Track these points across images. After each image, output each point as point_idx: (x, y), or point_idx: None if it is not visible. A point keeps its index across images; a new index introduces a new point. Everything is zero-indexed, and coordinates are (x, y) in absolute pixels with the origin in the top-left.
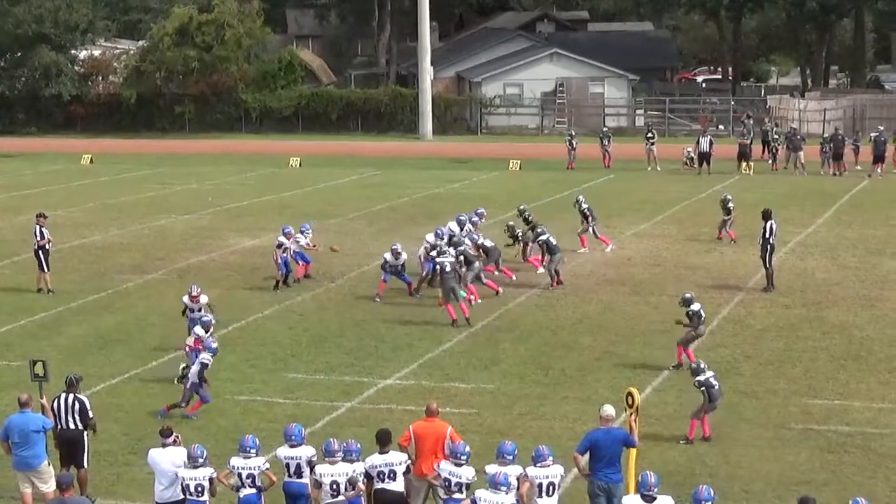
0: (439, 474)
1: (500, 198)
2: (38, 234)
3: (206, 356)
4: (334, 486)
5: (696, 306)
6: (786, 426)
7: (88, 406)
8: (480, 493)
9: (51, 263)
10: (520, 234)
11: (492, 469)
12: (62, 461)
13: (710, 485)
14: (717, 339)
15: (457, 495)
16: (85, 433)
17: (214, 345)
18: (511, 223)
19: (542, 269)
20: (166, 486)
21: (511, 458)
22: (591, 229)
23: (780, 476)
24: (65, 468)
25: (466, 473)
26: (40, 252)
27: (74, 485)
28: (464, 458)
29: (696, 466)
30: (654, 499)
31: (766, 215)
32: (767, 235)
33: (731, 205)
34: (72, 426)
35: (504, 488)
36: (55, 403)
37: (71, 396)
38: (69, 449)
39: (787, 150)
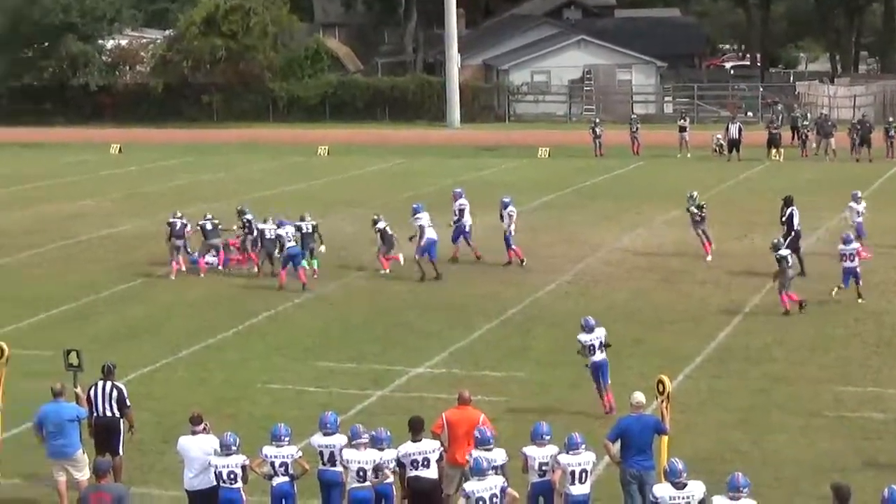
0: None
1: (528, 185)
2: None
3: None
4: (361, 473)
5: (781, 252)
6: (818, 413)
7: (126, 394)
8: (470, 486)
9: None
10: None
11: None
12: (97, 448)
13: (743, 471)
14: (749, 325)
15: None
16: (121, 420)
17: None
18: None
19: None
20: (196, 474)
21: (548, 438)
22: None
23: (813, 463)
24: (100, 455)
25: (499, 456)
26: None
27: (110, 472)
28: (491, 442)
29: (727, 453)
30: (685, 485)
31: (789, 202)
32: (794, 222)
33: None
34: (108, 413)
35: (490, 471)
36: (92, 391)
37: (108, 384)
38: (105, 436)
39: (817, 136)
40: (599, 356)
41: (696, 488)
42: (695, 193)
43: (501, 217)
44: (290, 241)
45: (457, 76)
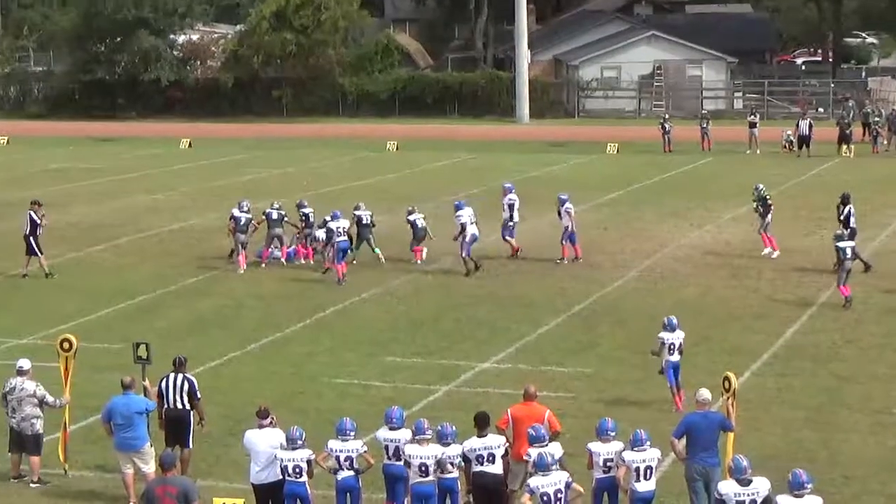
0: (530, 462)
1: (597, 181)
2: (29, 221)
3: None
4: (423, 468)
5: (841, 244)
6: (887, 411)
7: (197, 386)
8: (535, 481)
9: (42, 247)
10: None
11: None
12: (167, 440)
13: (810, 470)
14: (818, 323)
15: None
16: (191, 413)
17: None
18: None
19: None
20: (262, 468)
21: (613, 434)
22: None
23: (882, 461)
24: (170, 447)
25: (555, 450)
26: (30, 238)
27: (177, 464)
28: (545, 439)
29: (795, 451)
30: (750, 482)
31: (846, 200)
32: (850, 220)
33: None
34: (179, 406)
35: (554, 466)
36: (163, 383)
37: (180, 376)
38: (175, 428)
39: (889, 132)
40: (676, 357)
41: (761, 485)
42: (760, 186)
43: (559, 214)
44: (341, 235)
45: (527, 72)
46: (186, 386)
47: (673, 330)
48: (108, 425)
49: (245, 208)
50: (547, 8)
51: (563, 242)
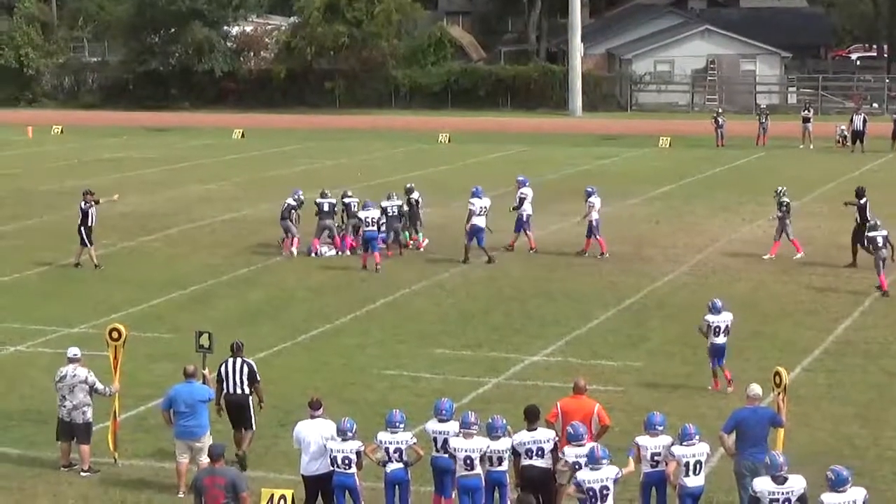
0: (567, 462)
1: (649, 175)
2: (80, 212)
3: None
4: (468, 461)
5: (871, 233)
6: None
7: (256, 369)
8: (582, 475)
9: (94, 239)
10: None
11: (572, 451)
12: (233, 424)
13: (859, 466)
14: (869, 319)
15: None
16: (250, 397)
17: None
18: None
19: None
20: (312, 459)
21: (661, 428)
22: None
23: None
24: (235, 430)
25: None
26: (82, 228)
27: (224, 455)
28: (583, 437)
29: (844, 448)
30: (786, 479)
31: (860, 193)
32: (866, 215)
33: None
34: (238, 391)
35: (605, 461)
36: (223, 368)
37: (239, 361)
38: (237, 412)
39: None
40: (722, 339)
41: (797, 483)
42: (779, 188)
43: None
44: (369, 225)
45: (580, 65)
46: (246, 370)
47: (718, 312)
48: (167, 413)
49: (299, 197)
50: (600, 1)
51: (599, 237)
